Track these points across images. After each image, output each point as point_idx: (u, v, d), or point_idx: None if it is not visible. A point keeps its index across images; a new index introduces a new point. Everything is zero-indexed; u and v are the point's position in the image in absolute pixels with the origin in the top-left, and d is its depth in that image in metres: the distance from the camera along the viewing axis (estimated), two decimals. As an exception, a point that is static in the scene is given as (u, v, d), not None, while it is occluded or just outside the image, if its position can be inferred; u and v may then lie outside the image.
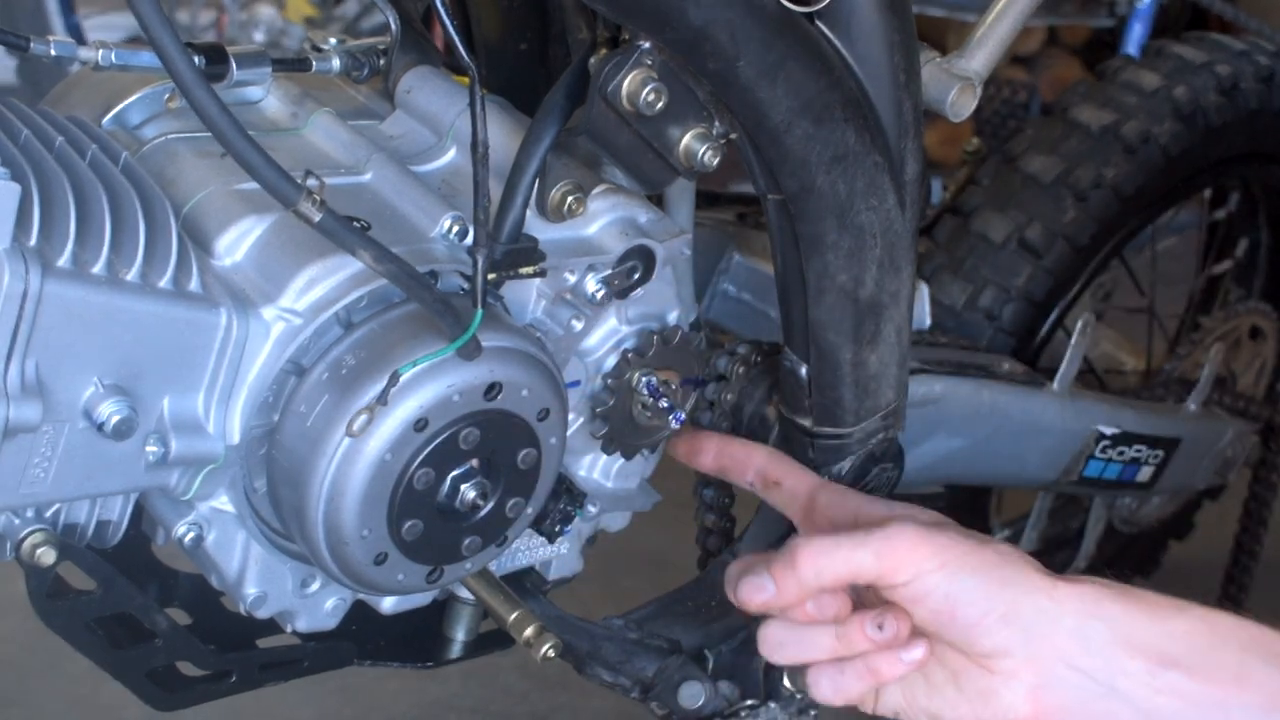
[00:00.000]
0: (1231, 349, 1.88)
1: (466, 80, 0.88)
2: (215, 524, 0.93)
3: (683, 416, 1.03)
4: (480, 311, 0.85)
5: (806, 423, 1.10)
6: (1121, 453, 1.55)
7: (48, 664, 1.89)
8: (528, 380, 0.91)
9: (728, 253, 1.50)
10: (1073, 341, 1.48)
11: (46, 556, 0.87)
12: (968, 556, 0.89)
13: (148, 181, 0.86)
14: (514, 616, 1.01)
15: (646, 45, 0.89)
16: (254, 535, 0.95)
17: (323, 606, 1.00)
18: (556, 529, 1.04)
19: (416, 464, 0.88)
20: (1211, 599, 1.98)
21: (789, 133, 0.92)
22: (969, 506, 1.62)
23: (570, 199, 0.95)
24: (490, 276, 0.89)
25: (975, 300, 1.52)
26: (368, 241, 0.82)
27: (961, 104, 1.01)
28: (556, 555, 1.10)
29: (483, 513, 0.93)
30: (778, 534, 1.12)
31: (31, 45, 0.89)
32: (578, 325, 0.99)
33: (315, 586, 0.99)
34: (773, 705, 1.15)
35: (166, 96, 0.99)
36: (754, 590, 0.90)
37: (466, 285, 0.93)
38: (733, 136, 0.95)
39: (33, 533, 0.87)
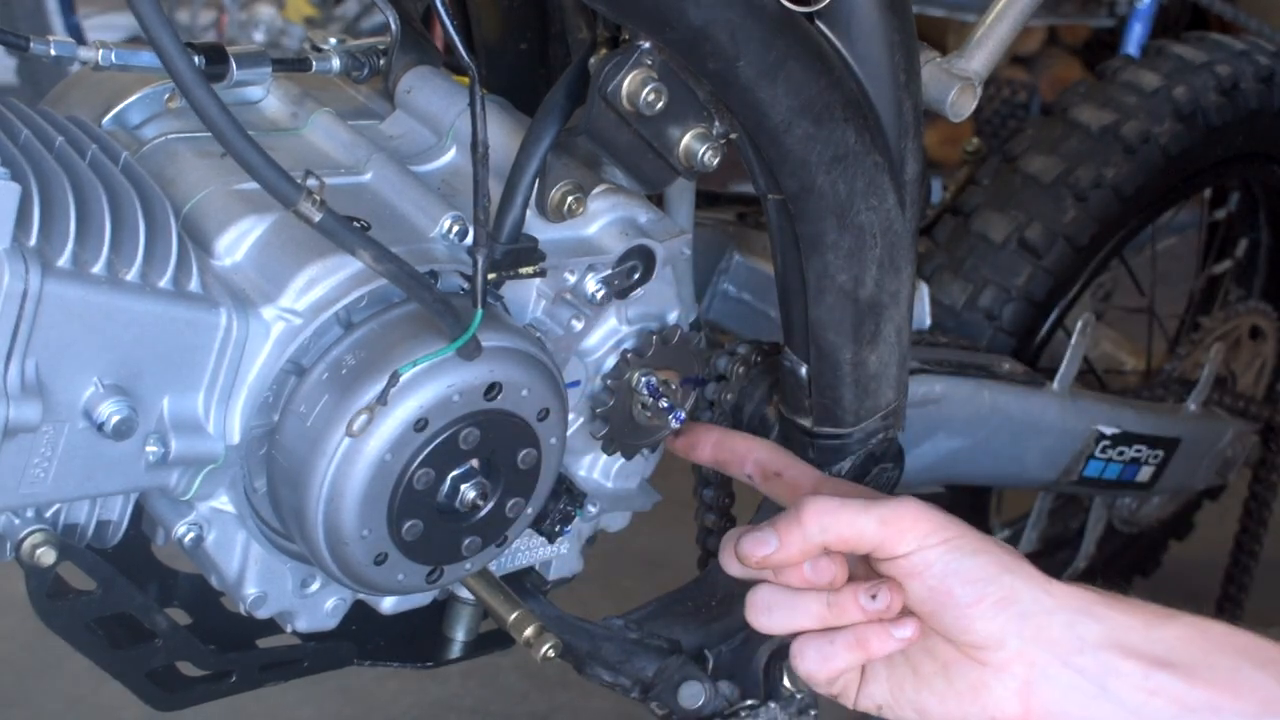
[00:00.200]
0: (1231, 349, 1.88)
1: (466, 80, 0.88)
2: (215, 524, 0.93)
3: (683, 416, 1.03)
4: (480, 311, 0.85)
5: (806, 423, 1.10)
6: (1121, 453, 1.55)
7: (48, 664, 1.90)
8: (528, 380, 0.91)
9: (728, 253, 1.50)
10: (1073, 341, 1.48)
11: (46, 556, 0.87)
12: (969, 538, 0.89)
13: (148, 181, 0.86)
14: (514, 616, 1.01)
15: (646, 45, 0.89)
16: (254, 535, 0.95)
17: (323, 606, 1.00)
18: (556, 529, 1.04)
19: (416, 464, 0.88)
20: (1211, 599, 1.99)
21: (789, 133, 0.92)
22: (969, 506, 1.62)
23: (570, 199, 0.95)
24: (490, 276, 0.89)
25: (975, 300, 1.52)
26: (368, 241, 0.82)
27: (961, 104, 1.01)
28: (556, 555, 1.10)
29: (483, 513, 0.93)
30: (778, 534, 1.12)
31: (31, 45, 0.89)
32: (578, 325, 0.99)
33: (315, 586, 0.99)
34: (773, 705, 1.15)
35: (166, 96, 0.99)
36: (757, 544, 0.89)
37: (466, 285, 0.93)
38: (733, 136, 0.95)
39: (33, 533, 0.87)
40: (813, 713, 1.17)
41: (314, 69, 1.06)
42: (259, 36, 3.56)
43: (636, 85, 0.89)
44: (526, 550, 1.09)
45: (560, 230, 0.96)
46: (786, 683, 1.12)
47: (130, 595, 0.95)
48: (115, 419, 0.82)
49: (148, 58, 0.95)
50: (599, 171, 0.96)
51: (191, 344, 0.85)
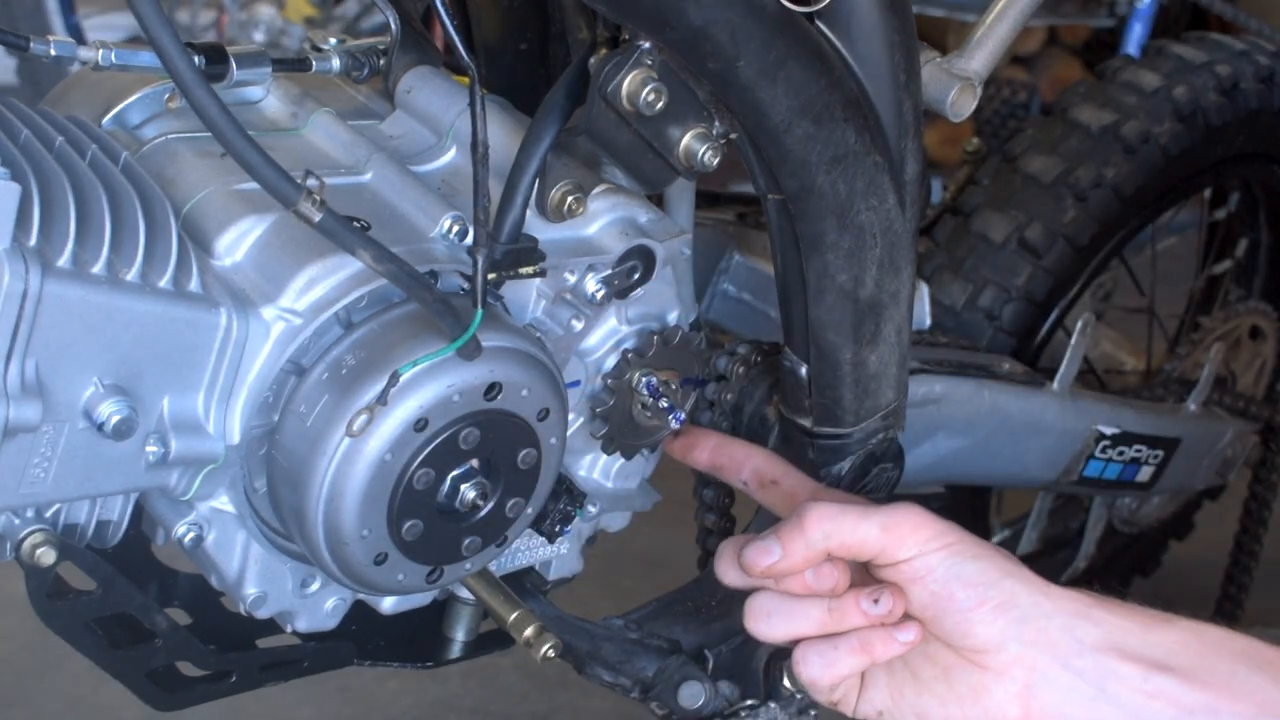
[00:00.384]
0: (1231, 349, 1.88)
1: (466, 80, 0.88)
2: (215, 524, 0.93)
3: (682, 417, 1.03)
4: (480, 311, 0.85)
5: (806, 423, 1.10)
6: (1121, 453, 1.55)
7: (48, 664, 1.90)
8: (528, 380, 0.91)
9: (728, 253, 1.50)
10: (1073, 341, 1.48)
11: (46, 556, 0.87)
12: (969, 543, 0.89)
13: (148, 181, 0.86)
14: (514, 616, 1.01)
15: (646, 45, 0.89)
16: (254, 535, 0.95)
17: (323, 606, 1.00)
18: (556, 529, 1.04)
19: (416, 464, 0.88)
20: (1211, 599, 1.99)
21: (789, 133, 0.92)
22: (969, 506, 1.62)
23: (570, 199, 0.95)
24: (490, 276, 0.89)
25: (975, 300, 1.52)
26: (368, 241, 0.82)
27: (961, 104, 1.01)
28: (556, 555, 1.10)
29: (483, 513, 0.93)
30: (778, 534, 1.12)
31: (31, 45, 0.89)
32: (578, 325, 0.99)
33: (315, 586, 0.99)
34: (773, 705, 1.15)
35: (166, 96, 0.99)
36: (760, 554, 0.89)
37: (466, 285, 0.93)
38: (733, 136, 0.95)
39: (33, 533, 0.87)
40: (813, 713, 1.17)
41: (314, 69, 1.06)
42: (259, 36, 3.56)
43: (636, 85, 0.89)
44: (526, 550, 1.09)
45: (560, 230, 0.96)
46: (786, 683, 1.12)
47: (130, 595, 0.95)
48: (115, 419, 0.82)
49: (148, 58, 0.95)
50: (599, 171, 0.96)
51: (191, 344, 0.85)
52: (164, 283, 0.83)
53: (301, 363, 0.88)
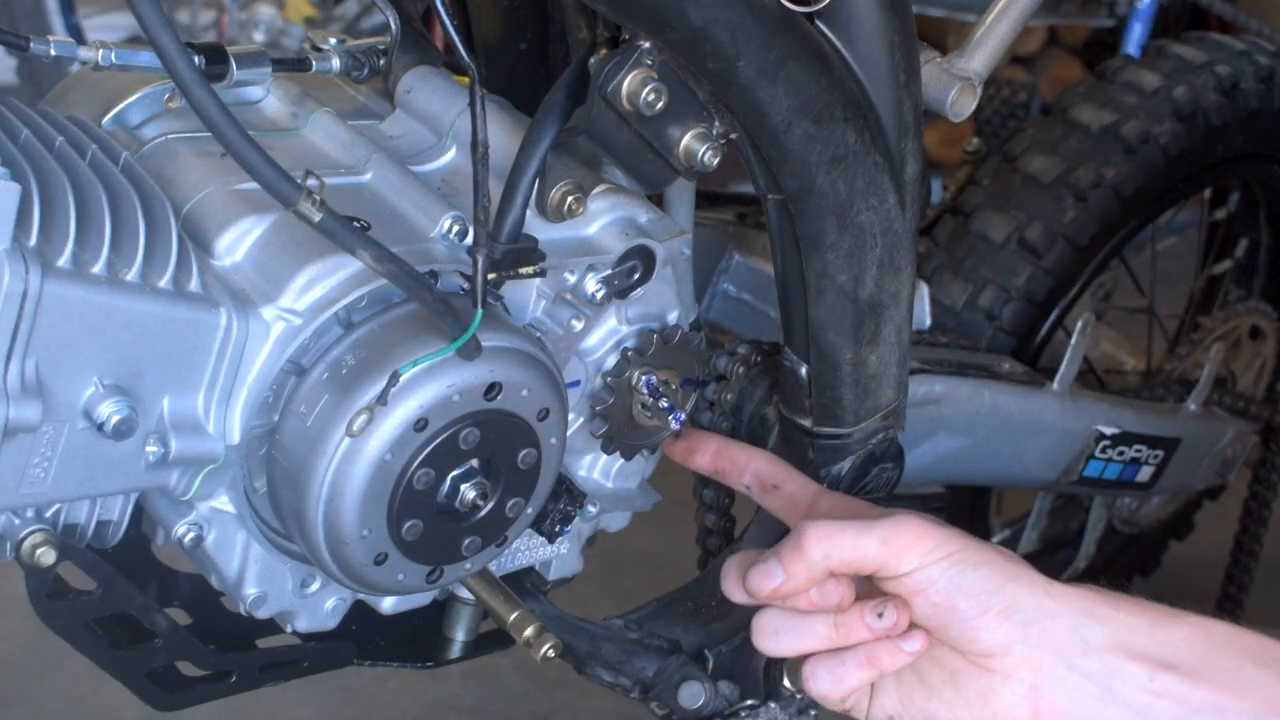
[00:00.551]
0: (1231, 349, 1.88)
1: (466, 80, 0.88)
2: (215, 524, 0.93)
3: (682, 417, 1.03)
4: (480, 311, 0.85)
5: (806, 423, 1.10)
6: (1121, 453, 1.55)
7: (48, 664, 1.90)
8: (528, 380, 0.91)
9: (728, 253, 1.50)
10: (1073, 341, 1.48)
11: (46, 556, 0.87)
12: (971, 550, 0.89)
13: (148, 181, 0.86)
14: (514, 616, 1.01)
15: (646, 45, 0.89)
16: (254, 535, 0.95)
17: (323, 606, 1.00)
18: (556, 529, 1.04)
19: (416, 464, 0.88)
20: (1211, 599, 1.99)
21: (789, 133, 0.92)
22: (969, 506, 1.62)
23: (570, 199, 0.95)
24: (490, 276, 0.89)
25: (975, 300, 1.52)
26: (368, 241, 0.82)
27: (961, 104, 1.01)
28: (556, 555, 1.10)
29: (483, 513, 0.93)
30: (777, 534, 1.12)
31: (31, 45, 0.89)
32: (578, 325, 0.99)
33: (315, 586, 0.99)
34: (773, 705, 1.15)
35: (166, 96, 0.99)
36: (763, 578, 0.90)
37: (466, 285, 0.93)
38: (733, 136, 0.95)
39: (33, 533, 0.87)
40: (813, 713, 1.17)
41: (314, 69, 1.06)
42: (259, 36, 3.56)
43: (636, 85, 0.89)
44: (526, 550, 1.09)
45: (560, 230, 0.96)
46: (786, 683, 1.12)
47: (130, 595, 0.95)
48: (115, 419, 0.82)
49: (148, 58, 0.95)
50: (599, 171, 0.96)
51: (191, 344, 0.85)
52: (164, 283, 0.83)
53: (301, 363, 0.88)
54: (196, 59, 0.95)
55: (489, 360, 0.88)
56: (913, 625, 0.91)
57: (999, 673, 0.89)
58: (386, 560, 0.91)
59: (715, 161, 0.94)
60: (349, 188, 0.95)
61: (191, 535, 0.92)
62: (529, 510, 0.96)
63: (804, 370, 1.07)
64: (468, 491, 0.91)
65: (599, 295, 0.98)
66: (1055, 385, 1.46)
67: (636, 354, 1.02)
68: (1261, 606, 2.00)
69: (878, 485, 1.14)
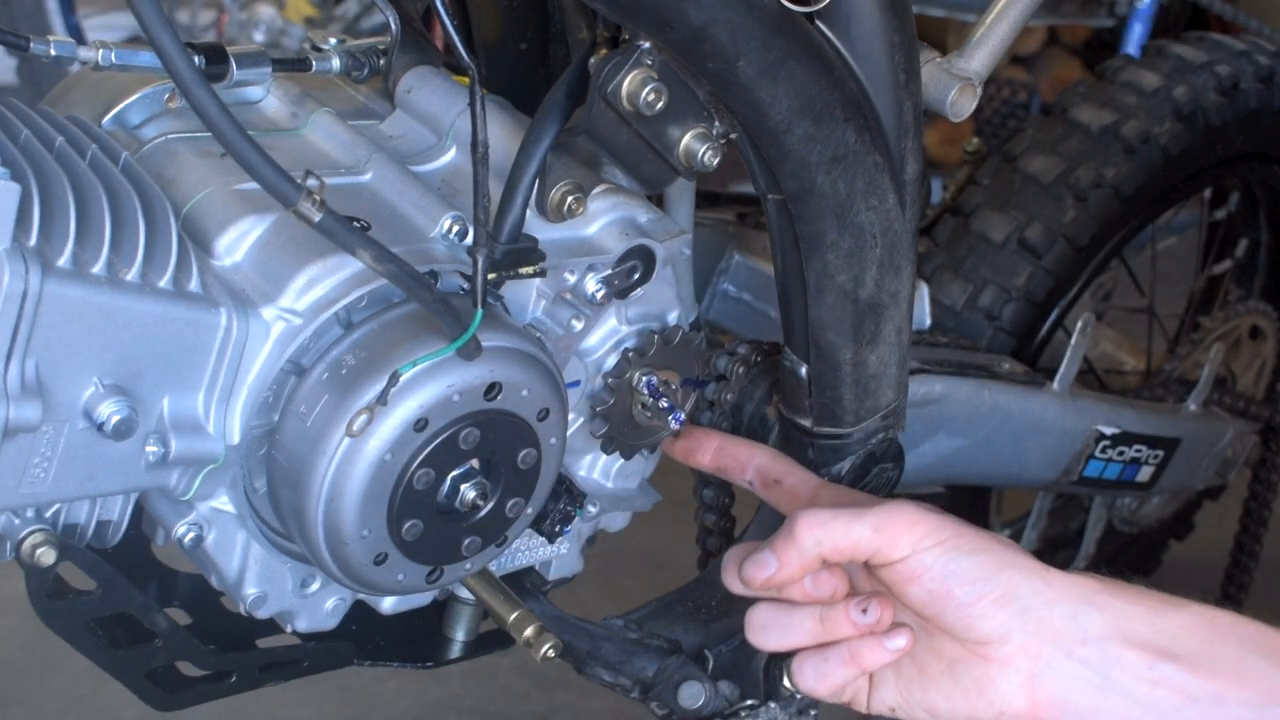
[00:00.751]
0: (1231, 349, 1.88)
1: (466, 80, 0.88)
2: (215, 524, 0.93)
3: (682, 417, 1.03)
4: (480, 311, 0.85)
5: (806, 423, 1.10)
6: (1121, 453, 1.55)
7: (48, 664, 1.90)
8: (528, 380, 0.91)
9: (728, 253, 1.50)
10: (1073, 341, 1.48)
11: (46, 556, 0.87)
12: (965, 537, 0.89)
13: (148, 181, 0.86)
14: (514, 616, 1.01)
15: (646, 45, 0.89)
16: (254, 535, 0.95)
17: (323, 606, 1.00)
18: (556, 529, 1.04)
19: (416, 464, 0.88)
20: (1211, 599, 1.98)
21: (789, 133, 0.92)
22: (969, 506, 1.62)
23: (570, 199, 0.95)
24: (490, 276, 0.89)
25: (975, 300, 1.52)
26: (368, 241, 0.82)
27: (961, 104, 1.01)
28: (556, 555, 1.10)
29: (483, 513, 0.93)
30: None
31: (31, 45, 0.89)
32: (578, 325, 0.99)
33: (315, 586, 0.99)
34: (773, 705, 1.15)
35: (166, 96, 0.99)
36: (758, 567, 0.90)
37: (466, 285, 0.93)
38: (733, 136, 0.95)
39: (33, 533, 0.87)
40: (813, 713, 1.17)
41: (314, 69, 1.06)
42: (259, 36, 3.56)
43: (636, 85, 0.89)
44: (526, 550, 1.09)
45: (560, 230, 0.96)
46: (786, 683, 1.12)
47: (130, 595, 0.95)
48: (115, 419, 0.82)
49: (148, 58, 0.95)
50: (599, 171, 0.96)
51: (191, 344, 0.85)
52: (164, 283, 0.83)
53: (301, 363, 0.88)
54: (196, 59, 0.95)
55: (489, 360, 0.88)
56: (905, 619, 0.91)
57: (996, 661, 0.89)
58: (386, 560, 0.91)
59: (715, 161, 0.94)
60: (349, 188, 0.95)
61: (191, 535, 0.92)
62: (529, 510, 0.96)
63: (804, 370, 1.07)
64: (468, 491, 0.91)
65: (599, 295, 0.98)
66: (1055, 385, 1.46)
67: (637, 354, 1.02)
68: (1261, 606, 2.00)
69: (878, 485, 1.14)
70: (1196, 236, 2.00)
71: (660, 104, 0.90)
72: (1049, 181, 1.55)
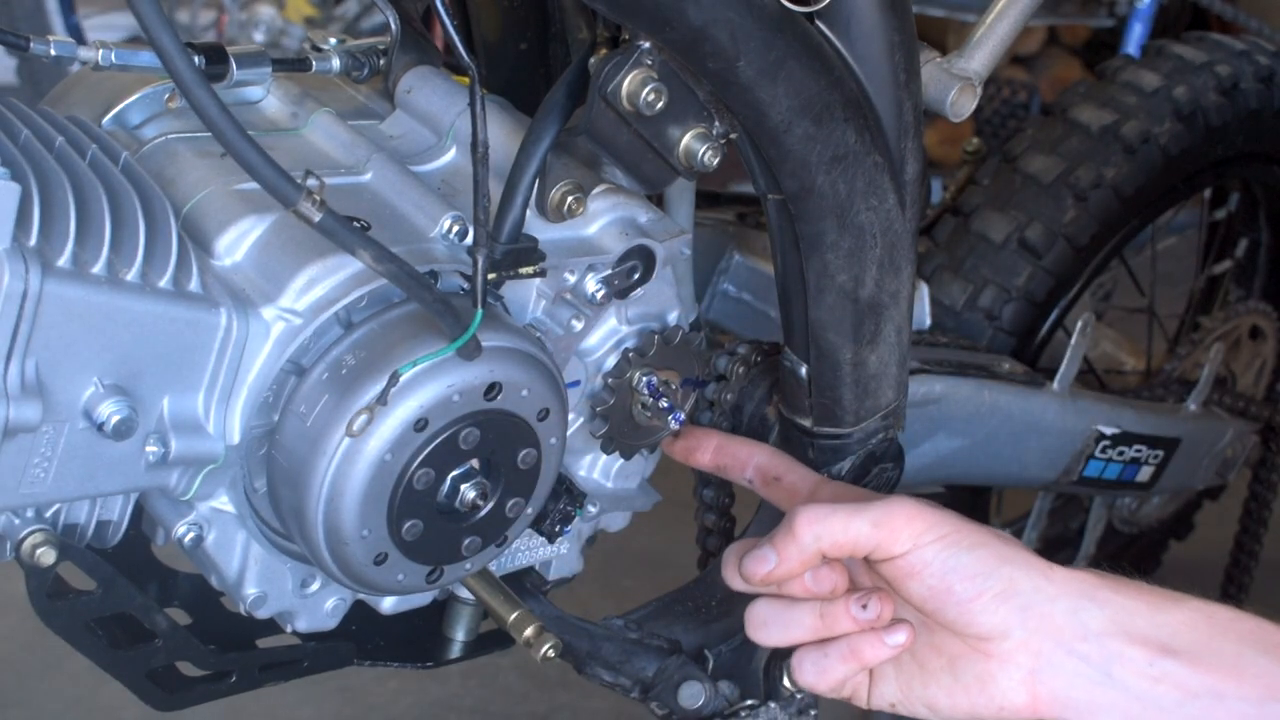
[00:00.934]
0: (1231, 349, 1.88)
1: (466, 80, 0.88)
2: (215, 524, 0.93)
3: (682, 417, 1.03)
4: (480, 311, 0.85)
5: (806, 423, 1.10)
6: (1121, 453, 1.55)
7: (48, 664, 1.90)
8: (528, 380, 0.91)
9: (728, 253, 1.50)
10: (1073, 341, 1.48)
11: (46, 556, 0.87)
12: (966, 533, 0.89)
13: (148, 181, 0.86)
14: (514, 616, 1.01)
15: (646, 45, 0.89)
16: (254, 535, 0.95)
17: (323, 606, 1.00)
18: (556, 529, 1.04)
19: (416, 464, 0.88)
20: (1212, 598, 1.98)
21: (789, 133, 0.92)
22: (969, 506, 1.62)
23: (570, 199, 0.95)
24: (490, 276, 0.89)
25: (975, 300, 1.52)
26: (368, 241, 0.82)
27: (961, 104, 1.01)
28: (556, 555, 1.10)
29: (483, 513, 0.93)
30: (779, 532, 1.12)
31: (31, 45, 0.89)
32: (578, 325, 0.99)
33: (315, 586, 0.99)
34: (773, 705, 1.15)
35: (166, 96, 0.99)
36: (758, 562, 0.90)
37: (466, 285, 0.93)
38: (733, 136, 0.95)
39: (33, 533, 0.87)
40: (813, 713, 1.17)
41: (314, 69, 1.06)
42: (259, 36, 3.56)
43: (636, 85, 0.89)
44: (526, 550, 1.09)
45: (560, 230, 0.96)
46: (786, 683, 1.12)
47: (130, 595, 0.95)
48: (115, 419, 0.82)
49: (148, 58, 0.95)
50: (599, 171, 0.96)
51: (191, 344, 0.85)
52: (164, 283, 0.83)
53: (301, 363, 0.88)
54: (196, 59, 0.95)
55: (489, 360, 0.88)
56: (906, 615, 0.91)
57: (997, 657, 0.89)
58: (386, 560, 0.91)
59: (715, 161, 0.94)
60: (349, 188, 0.95)
61: (191, 535, 0.92)
62: (529, 510, 0.96)
63: (804, 370, 1.07)
64: (468, 491, 0.91)
65: (599, 295, 0.98)
66: (1055, 385, 1.46)
67: (637, 354, 1.02)
68: (1261, 606, 2.00)
69: (878, 485, 1.14)
70: (1196, 236, 2.00)
71: (660, 104, 0.90)
72: (1049, 181, 1.55)
